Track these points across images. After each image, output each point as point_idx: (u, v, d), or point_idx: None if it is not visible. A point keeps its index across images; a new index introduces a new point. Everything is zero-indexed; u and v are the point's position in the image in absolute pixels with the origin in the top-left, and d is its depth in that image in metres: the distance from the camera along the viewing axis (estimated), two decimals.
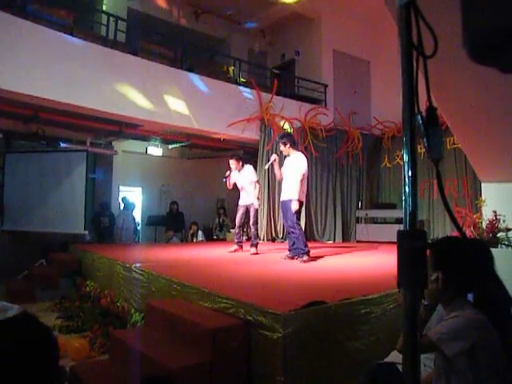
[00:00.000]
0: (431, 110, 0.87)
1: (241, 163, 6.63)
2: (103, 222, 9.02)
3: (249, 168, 6.64)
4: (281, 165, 5.85)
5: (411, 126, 0.86)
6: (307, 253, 5.39)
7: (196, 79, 8.38)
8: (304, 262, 5.28)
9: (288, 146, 5.64)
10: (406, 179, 0.87)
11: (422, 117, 0.86)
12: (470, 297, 1.77)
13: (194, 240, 9.88)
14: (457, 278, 1.75)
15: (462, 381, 1.65)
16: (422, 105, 0.88)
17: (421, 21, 0.82)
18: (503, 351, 1.71)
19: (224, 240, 9.91)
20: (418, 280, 0.84)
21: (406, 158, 0.87)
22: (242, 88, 9.07)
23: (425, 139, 0.86)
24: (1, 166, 8.40)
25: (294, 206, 5.37)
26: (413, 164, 0.86)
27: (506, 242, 4.07)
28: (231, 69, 9.90)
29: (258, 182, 6.61)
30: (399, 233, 0.88)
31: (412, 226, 0.85)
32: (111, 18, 7.97)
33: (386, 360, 2.35)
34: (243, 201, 6.59)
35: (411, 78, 0.85)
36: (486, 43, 0.50)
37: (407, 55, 0.85)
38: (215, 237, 10.50)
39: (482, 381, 1.62)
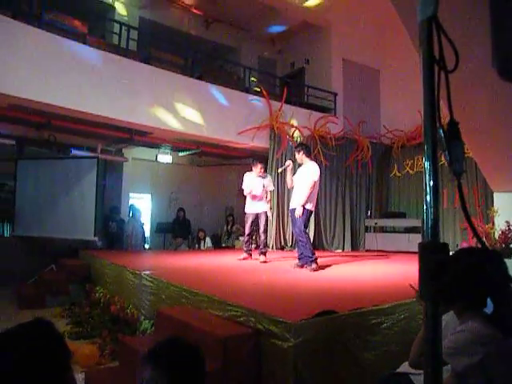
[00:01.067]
0: (453, 124, 0.88)
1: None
2: (111, 227, 9.05)
3: (270, 177, 6.74)
4: (294, 173, 5.88)
5: (432, 136, 0.87)
6: (315, 261, 5.37)
7: (206, 87, 8.44)
8: (313, 270, 5.26)
9: (302, 153, 5.68)
10: (428, 189, 0.87)
11: (443, 131, 0.87)
12: (489, 307, 1.73)
13: (202, 247, 9.90)
14: (462, 294, 1.72)
15: None
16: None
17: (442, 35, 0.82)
18: None
19: (232, 247, 9.91)
20: (440, 292, 0.84)
21: (427, 168, 0.88)
22: (251, 96, 9.11)
23: (446, 153, 0.86)
24: (13, 172, 8.49)
25: (298, 212, 5.39)
26: (434, 174, 0.86)
27: None
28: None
29: (271, 191, 6.68)
30: (421, 245, 0.88)
31: (433, 237, 0.86)
32: (123, 27, 8.07)
33: (398, 370, 2.33)
34: (254, 209, 6.55)
35: (432, 92, 0.85)
36: None
37: (429, 70, 0.85)
38: (224, 244, 10.51)
39: None
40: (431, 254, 0.85)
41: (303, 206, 5.42)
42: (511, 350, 1.64)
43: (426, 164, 0.88)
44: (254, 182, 6.51)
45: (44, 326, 1.26)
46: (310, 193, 5.44)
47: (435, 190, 0.87)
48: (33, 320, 1.27)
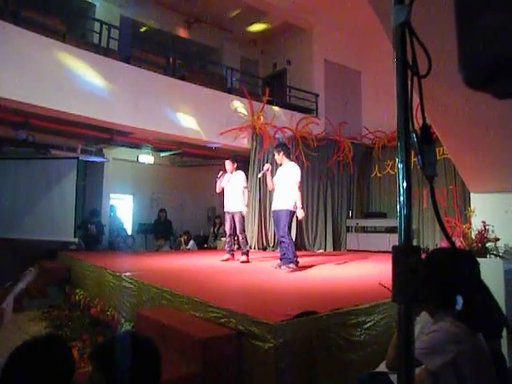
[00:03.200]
0: (425, 128, 0.89)
1: (235, 165, 6.66)
2: (90, 230, 8.95)
3: (241, 173, 6.67)
4: (273, 174, 5.89)
5: (406, 139, 0.88)
6: (294, 262, 5.40)
7: (188, 88, 8.40)
8: (290, 271, 5.28)
9: (281, 154, 5.70)
10: (401, 190, 0.89)
11: (416, 135, 0.88)
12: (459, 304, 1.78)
13: (184, 247, 9.86)
14: (432, 294, 1.75)
15: None
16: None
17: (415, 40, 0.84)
18: (493, 361, 1.74)
19: (215, 248, 9.88)
20: (413, 295, 0.85)
21: (401, 170, 0.89)
22: (233, 97, 9.11)
23: (419, 156, 0.88)
24: None
25: (300, 215, 5.48)
26: (407, 176, 0.88)
27: (495, 252, 4.11)
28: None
29: (246, 187, 6.63)
30: (394, 248, 0.89)
31: (407, 241, 0.87)
32: (104, 26, 7.98)
33: (377, 369, 2.36)
34: (228, 208, 6.59)
35: (406, 97, 0.86)
36: (482, 71, 0.51)
37: (402, 74, 0.87)
38: (206, 245, 10.48)
39: None
40: (404, 257, 0.86)
41: (290, 211, 5.47)
42: (481, 346, 1.69)
43: (400, 166, 0.89)
44: (227, 179, 6.62)
45: (54, 340, 1.36)
46: (301, 194, 5.52)
47: (408, 192, 0.88)
48: (46, 335, 1.38)
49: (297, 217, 5.58)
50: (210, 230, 10.87)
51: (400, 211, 0.89)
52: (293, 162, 5.82)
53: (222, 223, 8.90)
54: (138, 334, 1.58)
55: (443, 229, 0.93)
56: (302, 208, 5.52)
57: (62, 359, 1.31)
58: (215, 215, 10.99)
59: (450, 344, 1.66)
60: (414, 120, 0.90)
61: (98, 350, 1.45)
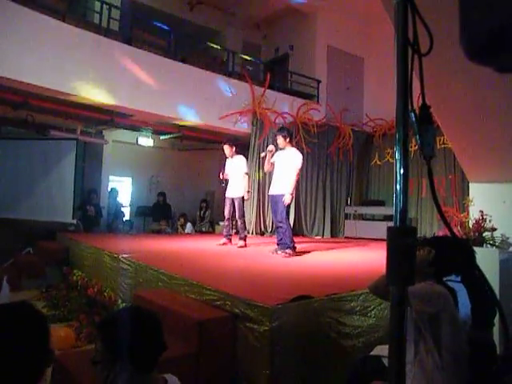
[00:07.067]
0: (424, 107, 0.88)
1: (234, 149, 6.62)
2: (89, 211, 8.96)
3: (241, 158, 6.63)
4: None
5: (404, 123, 0.86)
6: (292, 248, 5.40)
7: (189, 70, 8.33)
8: (287, 256, 5.29)
9: (287, 138, 5.65)
10: (398, 176, 0.88)
11: (415, 114, 0.87)
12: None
13: (182, 231, 9.87)
14: (443, 260, 1.95)
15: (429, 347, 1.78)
16: (415, 101, 0.89)
17: (417, 18, 0.82)
18: (484, 348, 1.80)
19: (212, 233, 9.90)
20: (407, 276, 0.84)
21: (398, 155, 0.88)
22: (234, 81, 9.03)
23: (417, 136, 0.86)
24: None
25: (287, 199, 5.38)
26: (405, 162, 0.87)
27: (491, 242, 4.12)
28: None
29: (247, 173, 6.60)
30: (389, 229, 0.88)
31: (402, 222, 0.86)
32: (104, 6, 7.86)
33: (371, 353, 2.38)
34: (229, 193, 6.58)
35: (406, 76, 0.85)
36: (483, 42, 0.50)
37: (402, 52, 0.85)
38: (197, 229, 10.49)
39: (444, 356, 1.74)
40: (400, 238, 0.85)
41: (291, 194, 5.43)
42: (462, 329, 1.77)
43: (397, 151, 0.88)
44: (227, 164, 6.60)
45: (27, 308, 1.32)
46: (297, 181, 5.46)
47: (405, 178, 0.87)
48: (16, 302, 1.33)
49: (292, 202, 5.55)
50: (196, 214, 10.75)
51: (396, 195, 0.88)
52: (295, 148, 5.78)
53: (222, 207, 8.90)
54: (141, 308, 1.61)
55: (441, 214, 0.92)
56: (292, 194, 5.42)
57: (29, 324, 1.24)
58: (202, 199, 10.85)
59: (436, 298, 1.79)
60: (415, 104, 0.89)
61: (105, 323, 1.46)
